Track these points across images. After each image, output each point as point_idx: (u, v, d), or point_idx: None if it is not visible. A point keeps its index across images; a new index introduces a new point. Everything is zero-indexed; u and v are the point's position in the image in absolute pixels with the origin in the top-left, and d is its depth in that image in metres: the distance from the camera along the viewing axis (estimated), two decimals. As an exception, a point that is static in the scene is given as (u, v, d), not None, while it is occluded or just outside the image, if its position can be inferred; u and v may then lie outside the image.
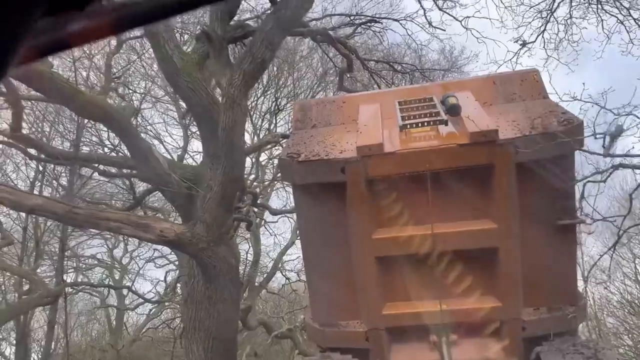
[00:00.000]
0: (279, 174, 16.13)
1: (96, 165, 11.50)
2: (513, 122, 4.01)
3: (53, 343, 16.43)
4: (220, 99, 7.54)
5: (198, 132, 12.61)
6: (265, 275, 17.21)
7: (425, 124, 4.04)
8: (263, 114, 16.18)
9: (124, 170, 11.56)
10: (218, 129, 6.85)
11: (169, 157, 12.47)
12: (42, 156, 11.18)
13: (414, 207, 4.05)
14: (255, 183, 14.74)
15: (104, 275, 19.56)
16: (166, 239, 6.56)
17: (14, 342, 14.50)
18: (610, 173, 4.63)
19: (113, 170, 12.12)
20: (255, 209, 13.25)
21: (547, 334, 4.17)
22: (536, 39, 11.63)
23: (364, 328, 4.40)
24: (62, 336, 16.53)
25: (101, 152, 13.60)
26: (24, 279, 14.37)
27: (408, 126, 4.05)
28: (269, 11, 9.22)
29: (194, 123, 14.72)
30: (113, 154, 12.59)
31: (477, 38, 12.31)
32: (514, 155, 3.83)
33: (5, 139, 10.31)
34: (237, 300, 7.86)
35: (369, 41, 14.00)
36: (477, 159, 3.87)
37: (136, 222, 6.70)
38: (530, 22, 11.86)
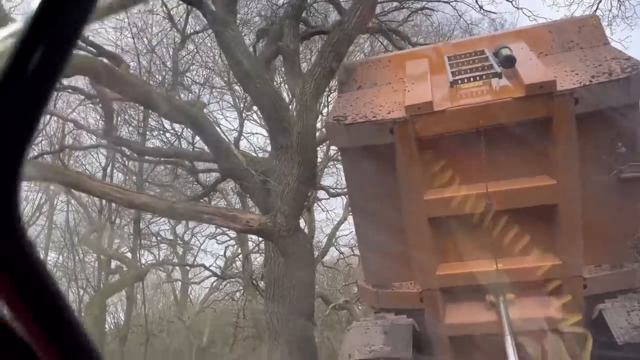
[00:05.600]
0: (333, 155, 16.28)
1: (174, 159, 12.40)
2: (572, 71, 3.78)
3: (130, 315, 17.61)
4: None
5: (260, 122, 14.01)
6: (320, 250, 17.48)
7: (477, 78, 3.89)
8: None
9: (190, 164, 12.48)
10: (284, 124, 7.92)
11: (225, 139, 13.02)
12: (135, 155, 12.21)
13: (467, 166, 3.94)
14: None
15: (168, 252, 20.53)
16: (251, 228, 7.29)
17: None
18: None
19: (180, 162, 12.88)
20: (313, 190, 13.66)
21: (610, 291, 4.00)
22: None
23: (418, 289, 4.37)
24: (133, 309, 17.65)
25: (165, 140, 14.36)
26: (112, 259, 15.70)
27: (459, 81, 3.90)
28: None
29: (249, 108, 15.23)
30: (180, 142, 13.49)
31: (528, 17, 12.03)
32: (574, 107, 3.62)
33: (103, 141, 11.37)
34: (312, 279, 8.34)
35: (418, 21, 13.77)
36: (534, 112, 3.68)
37: (225, 214, 7.46)
38: (582, -1, 11.08)
